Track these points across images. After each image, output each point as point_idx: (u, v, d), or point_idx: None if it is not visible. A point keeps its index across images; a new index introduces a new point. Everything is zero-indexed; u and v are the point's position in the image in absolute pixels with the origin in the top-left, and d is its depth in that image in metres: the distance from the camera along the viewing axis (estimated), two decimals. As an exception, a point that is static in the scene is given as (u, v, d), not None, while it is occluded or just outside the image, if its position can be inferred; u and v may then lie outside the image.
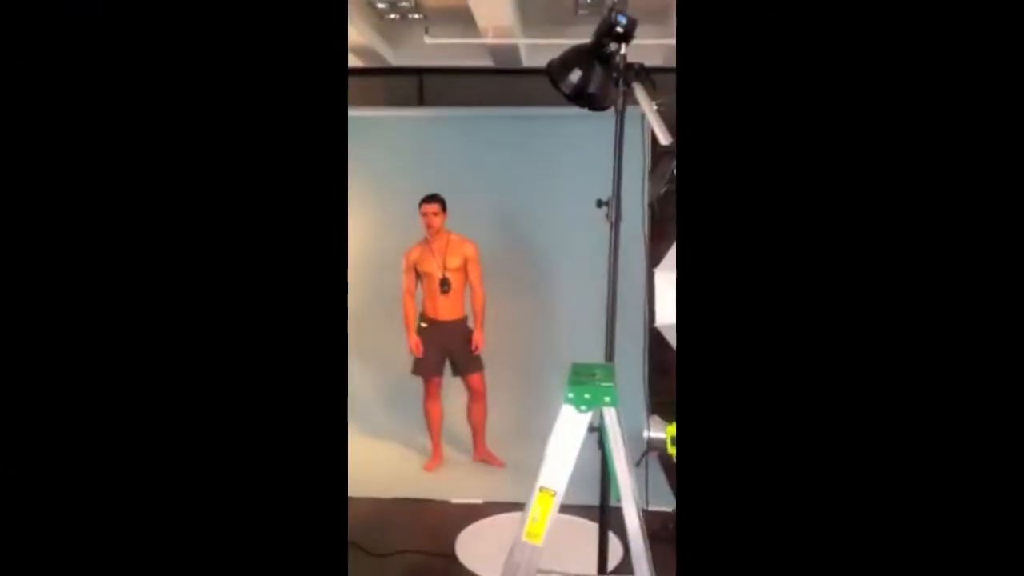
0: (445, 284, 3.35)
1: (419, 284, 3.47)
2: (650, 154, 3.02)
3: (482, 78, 4.33)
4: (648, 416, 1.88)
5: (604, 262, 1.83)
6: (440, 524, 2.86)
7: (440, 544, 2.67)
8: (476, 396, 3.49)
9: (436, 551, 2.62)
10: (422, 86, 4.66)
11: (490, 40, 3.82)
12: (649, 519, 1.49)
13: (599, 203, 1.80)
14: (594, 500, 1.92)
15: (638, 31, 1.85)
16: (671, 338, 2.77)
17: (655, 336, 2.66)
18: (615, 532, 2.09)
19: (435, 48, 4.14)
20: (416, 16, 3.85)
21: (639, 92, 1.71)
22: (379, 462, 3.57)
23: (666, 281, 2.75)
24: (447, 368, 3.49)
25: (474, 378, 3.45)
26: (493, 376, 3.55)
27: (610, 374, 1.55)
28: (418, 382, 3.49)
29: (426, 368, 3.44)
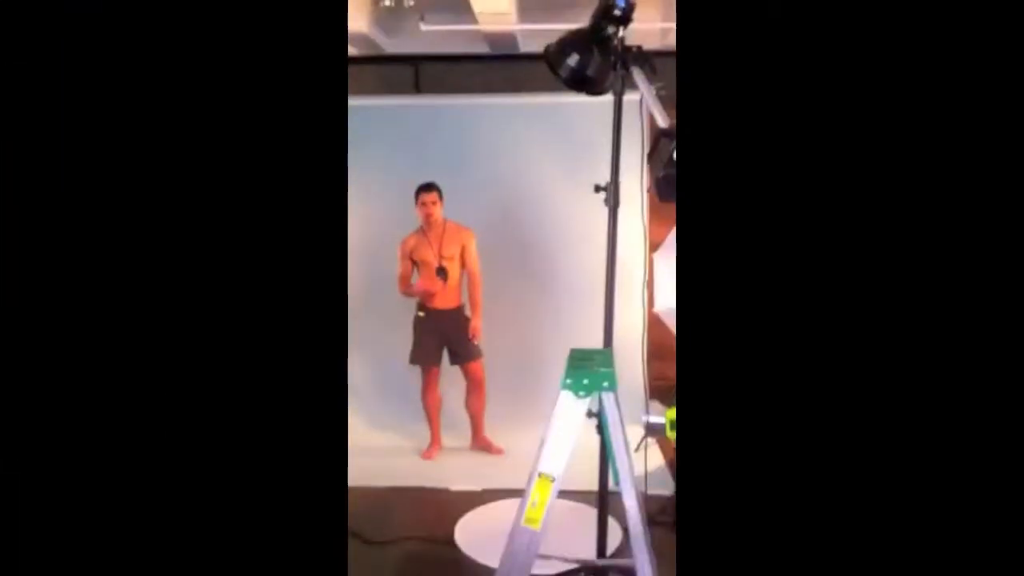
0: (442, 272, 3.34)
1: (416, 273, 3.46)
2: (649, 138, 3.01)
3: (478, 65, 4.30)
4: (647, 401, 1.88)
5: (603, 247, 1.82)
6: (439, 511, 2.86)
7: (439, 531, 2.68)
8: (474, 384, 3.49)
9: (435, 538, 2.63)
10: (418, 74, 4.63)
11: (486, 26, 3.79)
12: (648, 504, 1.49)
13: (597, 188, 1.79)
14: (593, 485, 1.92)
15: (636, 14, 1.84)
16: (670, 323, 2.77)
17: (654, 321, 2.65)
18: (614, 516, 2.10)
19: (431, 35, 4.10)
20: (411, 3, 3.82)
21: (638, 75, 1.69)
22: (378, 451, 3.57)
23: (665, 266, 2.74)
24: (445, 357, 3.48)
25: (472, 366, 3.45)
26: (491, 363, 3.55)
27: (608, 359, 1.54)
28: (417, 371, 3.49)
29: (424, 357, 3.44)
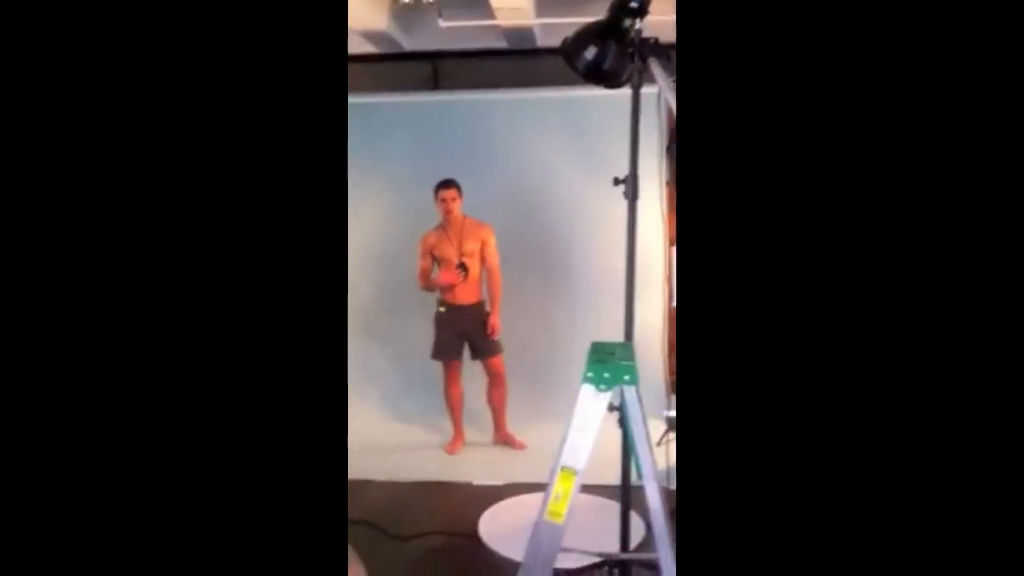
0: (462, 268, 3.36)
1: (436, 269, 3.47)
2: (667, 130, 3.01)
3: (497, 61, 4.30)
4: (668, 395, 1.87)
5: (622, 242, 1.81)
6: (462, 506, 2.89)
7: (463, 525, 2.70)
8: (496, 379, 3.50)
9: (459, 532, 2.65)
10: (436, 70, 4.64)
11: (504, 21, 3.79)
12: (670, 498, 1.49)
13: (616, 181, 1.79)
14: (616, 479, 1.92)
15: (653, 6, 1.83)
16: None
17: (674, 315, 2.64)
18: (637, 511, 2.10)
19: (449, 32, 4.11)
20: (429, 0, 3.82)
21: (655, 67, 1.69)
22: (402, 445, 3.61)
23: (685, 260, 2.72)
24: (467, 351, 3.50)
25: (493, 361, 3.46)
26: (512, 358, 3.56)
27: (630, 353, 1.54)
28: (439, 366, 3.51)
29: (445, 352, 3.46)
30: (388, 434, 3.77)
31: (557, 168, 3.92)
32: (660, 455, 1.57)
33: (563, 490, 1.40)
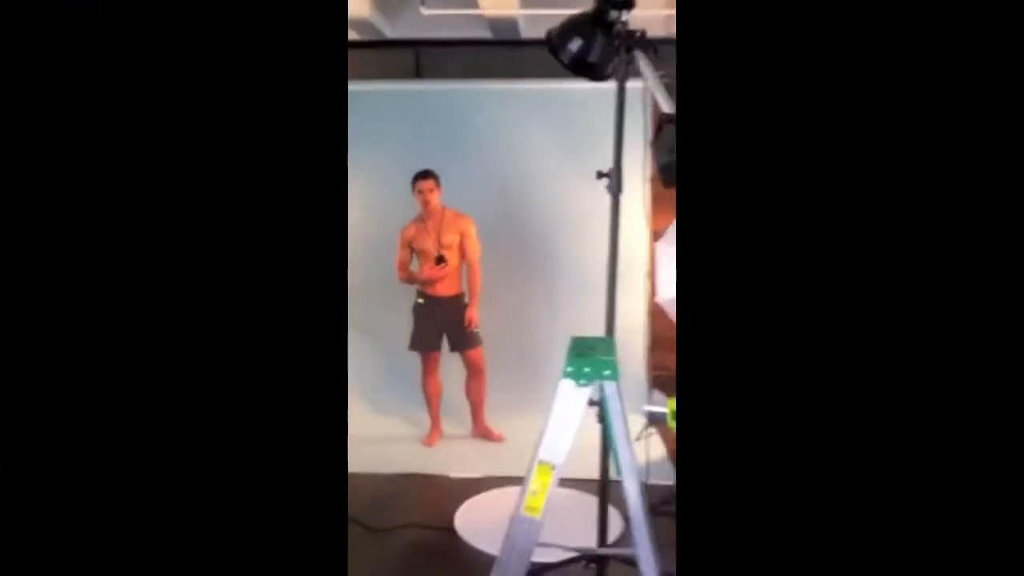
0: (440, 261, 3.33)
1: (416, 261, 3.44)
2: (652, 124, 2.99)
3: (480, 50, 4.26)
4: (649, 390, 1.87)
5: (605, 235, 1.80)
6: (440, 498, 2.87)
7: (440, 518, 2.68)
8: (475, 371, 3.48)
9: (436, 525, 2.63)
10: (419, 59, 4.58)
11: (488, 11, 3.76)
12: (649, 493, 1.48)
13: (599, 174, 1.77)
14: (595, 474, 1.92)
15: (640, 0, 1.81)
16: (671, 313, 2.76)
17: (655, 311, 2.64)
18: (615, 506, 2.09)
19: (432, 20, 4.06)
20: (412, -14, 3.78)
21: (641, 60, 1.67)
22: (380, 438, 3.57)
23: (667, 256, 2.73)
24: (445, 343, 3.47)
25: (472, 353, 3.45)
26: (492, 350, 3.54)
27: (610, 348, 1.53)
28: (419, 358, 3.48)
29: (423, 343, 3.43)
30: (367, 426, 3.73)
31: (541, 160, 3.90)
32: (640, 450, 1.56)
33: (540, 485, 1.39)
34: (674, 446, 3.06)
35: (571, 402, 1.40)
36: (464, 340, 3.42)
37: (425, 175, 3.34)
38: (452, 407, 3.66)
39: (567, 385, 1.40)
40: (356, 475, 3.08)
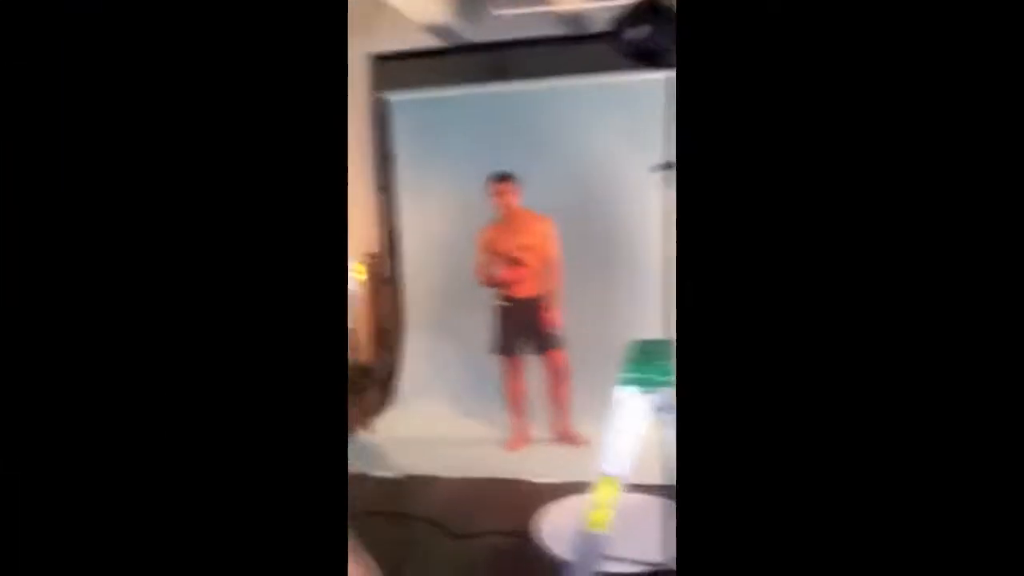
0: (516, 263, 3.29)
1: (495, 264, 3.43)
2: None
3: (559, 47, 4.20)
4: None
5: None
6: (521, 504, 2.83)
7: (518, 524, 2.65)
8: (557, 374, 3.43)
9: (513, 531, 2.60)
10: (498, 60, 4.58)
11: (558, 7, 3.69)
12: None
13: (659, 167, 1.68)
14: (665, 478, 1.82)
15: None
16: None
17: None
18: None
19: (508, 21, 4.04)
20: (486, -11, 3.77)
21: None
22: (465, 441, 3.59)
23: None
24: (528, 345, 3.44)
25: (554, 355, 3.39)
26: (576, 353, 3.47)
27: (667, 351, 1.44)
28: (501, 360, 3.46)
29: (505, 346, 3.41)
30: (453, 428, 3.76)
31: (621, 156, 3.78)
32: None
33: (605, 498, 1.32)
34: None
35: (632, 411, 1.32)
36: (546, 342, 3.38)
37: (503, 177, 3.32)
38: (535, 410, 3.62)
39: (626, 392, 1.32)
40: (441, 479, 3.11)
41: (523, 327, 3.40)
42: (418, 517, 2.71)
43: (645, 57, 2.02)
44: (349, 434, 3.69)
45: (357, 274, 4.12)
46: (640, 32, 1.96)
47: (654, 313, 2.70)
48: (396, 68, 4.61)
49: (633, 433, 1.31)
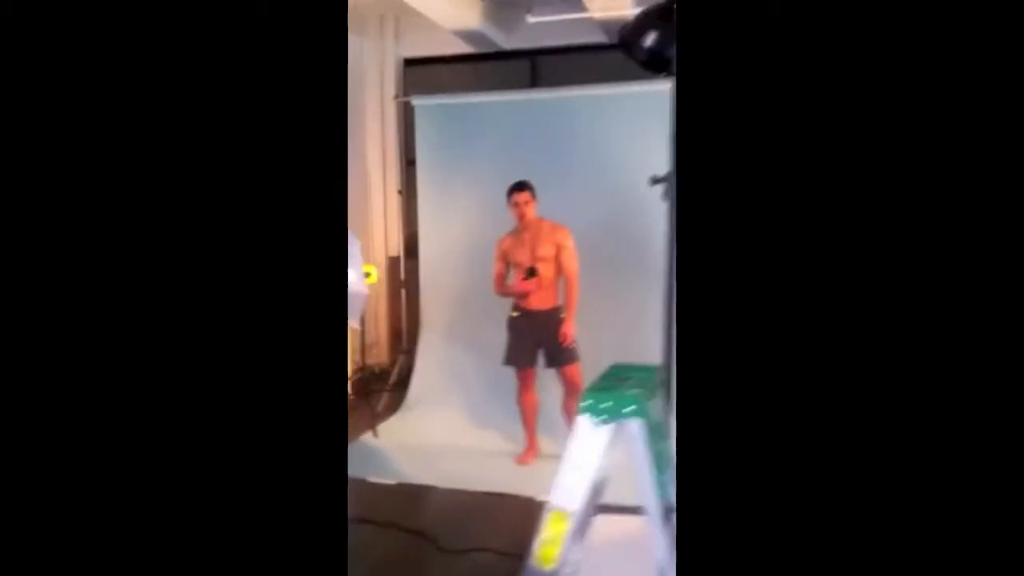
0: (532, 273, 3.21)
1: (512, 274, 3.35)
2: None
3: (597, 55, 4.12)
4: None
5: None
6: (521, 522, 2.72)
7: (516, 544, 2.54)
8: (571, 388, 3.32)
9: (510, 551, 2.50)
10: (535, 68, 4.53)
11: (598, 13, 3.61)
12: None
13: (654, 180, 1.58)
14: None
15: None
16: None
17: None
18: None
19: (544, 28, 3.99)
20: (518, -5, 3.73)
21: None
22: (475, 452, 3.52)
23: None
24: (542, 359, 3.35)
25: (569, 370, 3.29)
26: (591, 368, 3.35)
27: (651, 378, 1.34)
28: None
29: (518, 359, 3.32)
30: (466, 438, 3.69)
31: (650, 165, 3.65)
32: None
33: (554, 534, 1.23)
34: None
35: (588, 442, 1.22)
36: (560, 356, 3.28)
37: (521, 187, 3.25)
38: (549, 425, 3.51)
39: (584, 422, 1.23)
40: (443, 490, 3.04)
41: (537, 340, 3.31)
42: (408, 528, 2.65)
43: (659, 65, 1.93)
44: (354, 438, 3.66)
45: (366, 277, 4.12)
46: (653, 39, 1.87)
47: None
48: (428, 73, 4.61)
49: (586, 466, 1.21)
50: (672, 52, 1.85)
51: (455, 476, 3.14)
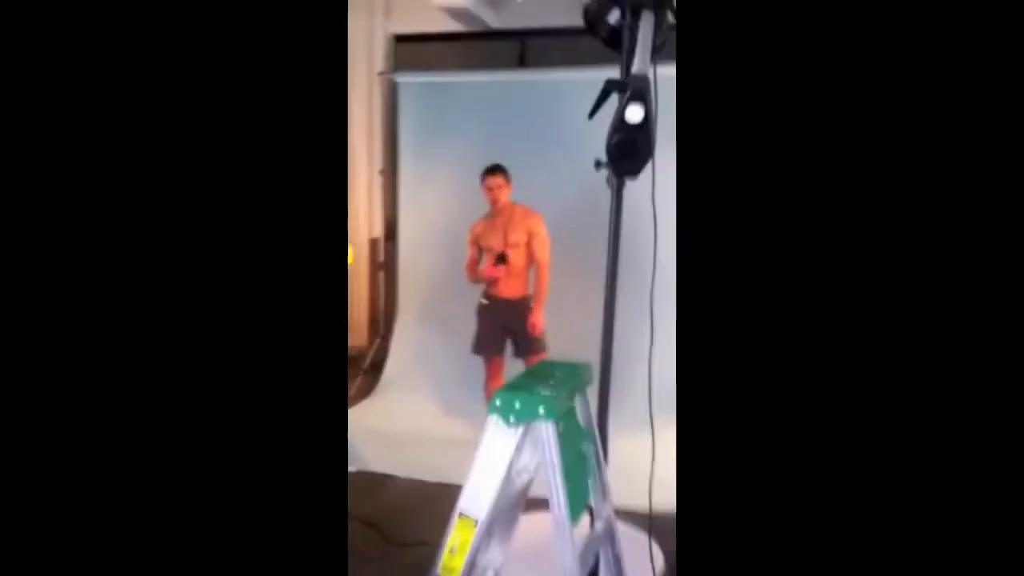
0: (501, 260, 3.10)
1: (483, 259, 3.25)
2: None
3: (588, 39, 3.99)
4: (651, 412, 1.52)
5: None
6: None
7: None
8: (540, 381, 3.23)
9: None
10: (524, 49, 4.40)
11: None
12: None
13: (598, 165, 1.47)
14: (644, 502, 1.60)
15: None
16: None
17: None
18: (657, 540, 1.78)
19: (533, 8, 3.87)
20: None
21: (646, 20, 1.35)
22: (444, 441, 3.41)
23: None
24: (510, 348, 3.25)
25: (536, 360, 3.19)
26: (560, 358, 3.25)
27: (577, 377, 1.24)
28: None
29: (486, 347, 3.23)
30: (437, 427, 3.60)
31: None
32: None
33: (460, 542, 1.14)
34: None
35: (497, 444, 1.13)
36: (528, 346, 3.18)
37: (493, 170, 3.14)
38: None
39: (493, 423, 1.13)
40: (401, 479, 2.96)
41: (506, 328, 3.21)
42: (359, 517, 2.57)
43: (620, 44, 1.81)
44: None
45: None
46: (615, 16, 1.75)
47: (663, 322, 2.49)
48: (419, 50, 4.48)
49: (495, 470, 1.12)
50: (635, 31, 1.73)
51: (417, 465, 3.06)
